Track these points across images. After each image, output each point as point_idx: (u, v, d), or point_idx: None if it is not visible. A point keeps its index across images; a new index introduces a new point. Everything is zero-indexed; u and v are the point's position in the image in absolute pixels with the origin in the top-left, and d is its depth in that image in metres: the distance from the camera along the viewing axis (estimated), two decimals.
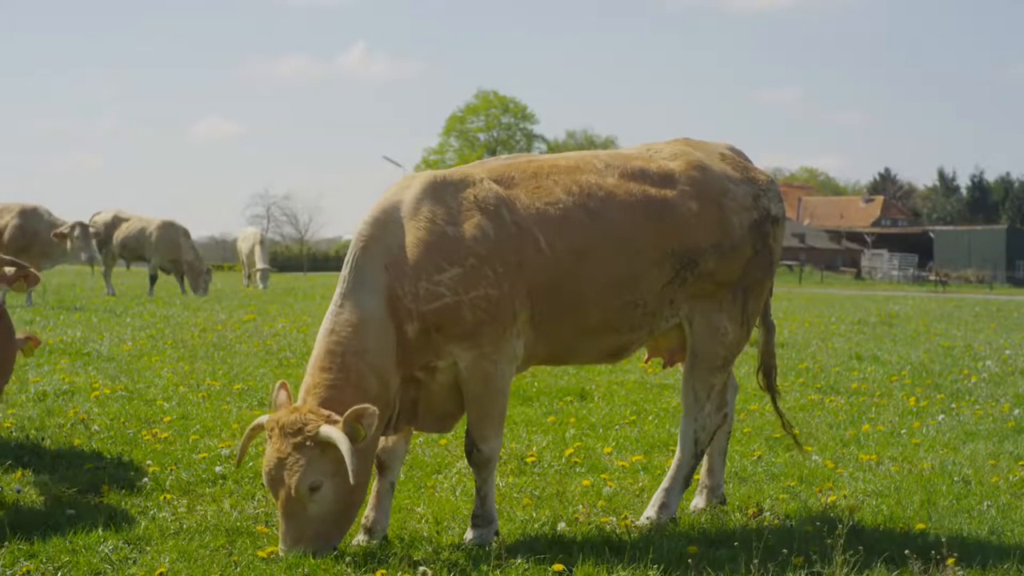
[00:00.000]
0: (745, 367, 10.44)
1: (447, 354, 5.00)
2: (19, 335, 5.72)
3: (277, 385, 4.95)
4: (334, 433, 4.58)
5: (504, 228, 5.06)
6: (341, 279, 5.00)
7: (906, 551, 4.83)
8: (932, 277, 60.90)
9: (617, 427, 8.06)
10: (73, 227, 17.98)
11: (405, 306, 4.91)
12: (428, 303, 4.91)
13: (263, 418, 4.82)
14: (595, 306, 5.24)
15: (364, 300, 4.90)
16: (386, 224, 5.03)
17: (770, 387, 6.19)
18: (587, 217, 5.21)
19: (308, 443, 4.60)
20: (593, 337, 5.37)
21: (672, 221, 5.35)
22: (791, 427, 6.29)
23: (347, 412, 4.60)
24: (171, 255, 23.52)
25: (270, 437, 4.72)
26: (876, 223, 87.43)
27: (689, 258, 5.38)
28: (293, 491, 4.60)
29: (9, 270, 6.28)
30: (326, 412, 4.67)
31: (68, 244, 17.80)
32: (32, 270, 6.23)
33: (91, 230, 18.68)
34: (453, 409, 5.22)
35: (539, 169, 5.31)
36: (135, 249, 23.73)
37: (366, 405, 4.64)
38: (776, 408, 6.23)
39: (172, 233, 23.45)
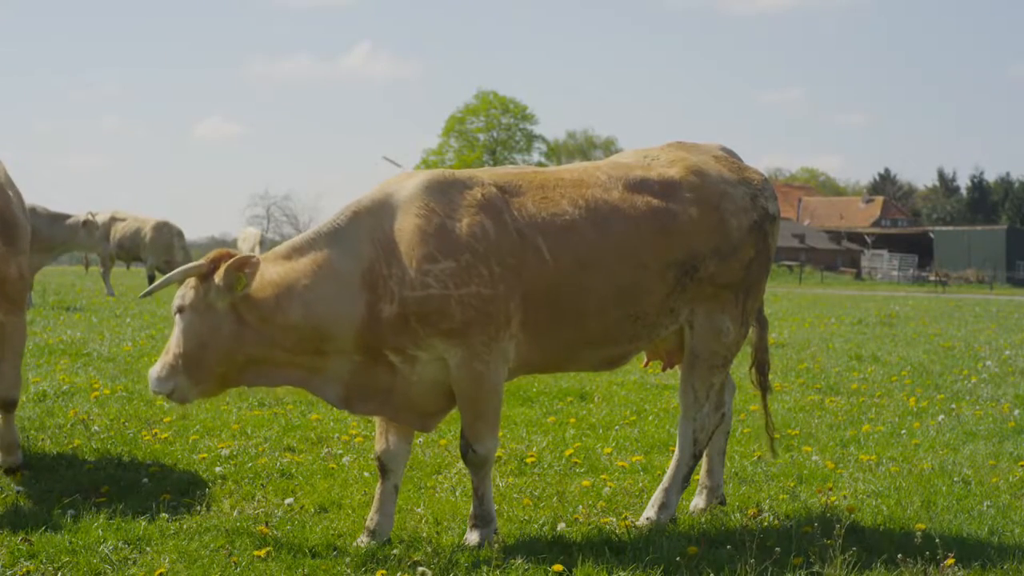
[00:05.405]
0: (745, 367, 10.44)
1: (429, 347, 4.95)
2: None
3: None
4: (192, 265, 4.89)
5: (505, 230, 5.04)
6: (319, 225, 5.08)
7: (905, 551, 4.84)
8: (932, 277, 60.86)
9: (617, 427, 8.06)
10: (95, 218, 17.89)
11: (388, 286, 4.90)
12: (413, 290, 4.89)
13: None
14: (596, 318, 5.23)
15: (336, 256, 4.94)
16: (383, 204, 5.05)
17: (763, 384, 6.20)
18: (592, 230, 5.20)
19: (199, 267, 4.87)
20: (592, 347, 5.37)
21: (675, 231, 5.35)
22: (773, 429, 6.32)
23: (232, 260, 4.77)
24: (166, 256, 23.48)
25: None
26: (876, 223, 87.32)
27: (690, 264, 5.37)
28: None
29: None
30: (240, 256, 4.80)
31: (85, 235, 17.64)
32: None
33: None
34: (436, 408, 5.19)
35: (545, 181, 5.32)
36: (131, 250, 23.75)
37: (251, 255, 4.83)
38: (764, 406, 6.25)
39: (166, 234, 23.45)
